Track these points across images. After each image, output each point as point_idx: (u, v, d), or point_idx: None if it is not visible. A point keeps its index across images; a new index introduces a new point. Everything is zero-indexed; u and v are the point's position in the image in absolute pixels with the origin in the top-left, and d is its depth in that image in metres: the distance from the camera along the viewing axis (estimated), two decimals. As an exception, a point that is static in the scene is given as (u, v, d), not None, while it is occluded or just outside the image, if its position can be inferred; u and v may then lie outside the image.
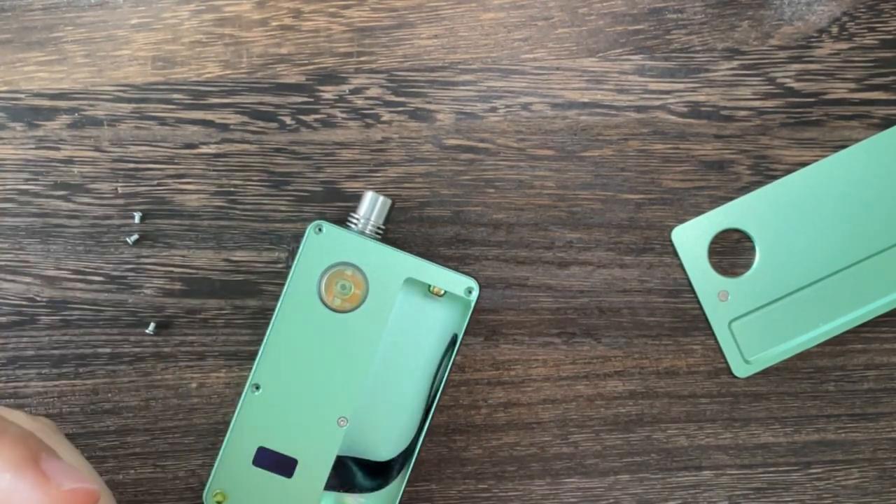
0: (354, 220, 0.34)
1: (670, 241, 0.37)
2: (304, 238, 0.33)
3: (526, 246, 0.36)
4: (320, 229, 0.33)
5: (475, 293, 0.33)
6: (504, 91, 0.36)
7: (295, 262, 0.33)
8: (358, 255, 0.33)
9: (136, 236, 0.36)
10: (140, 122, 0.36)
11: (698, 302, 0.37)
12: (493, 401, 0.36)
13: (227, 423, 0.33)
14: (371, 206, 0.33)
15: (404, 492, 0.34)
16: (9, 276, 0.36)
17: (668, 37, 0.36)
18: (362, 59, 0.36)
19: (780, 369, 0.37)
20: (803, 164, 0.36)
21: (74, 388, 0.36)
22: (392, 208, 0.34)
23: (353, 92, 0.36)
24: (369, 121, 0.36)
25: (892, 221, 0.36)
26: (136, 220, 0.36)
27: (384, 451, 0.34)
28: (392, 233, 0.36)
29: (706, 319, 0.36)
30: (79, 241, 0.36)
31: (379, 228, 0.33)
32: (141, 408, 0.36)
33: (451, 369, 0.34)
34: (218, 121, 0.36)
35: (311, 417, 0.33)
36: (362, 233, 0.33)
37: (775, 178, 0.36)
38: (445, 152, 0.36)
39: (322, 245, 0.33)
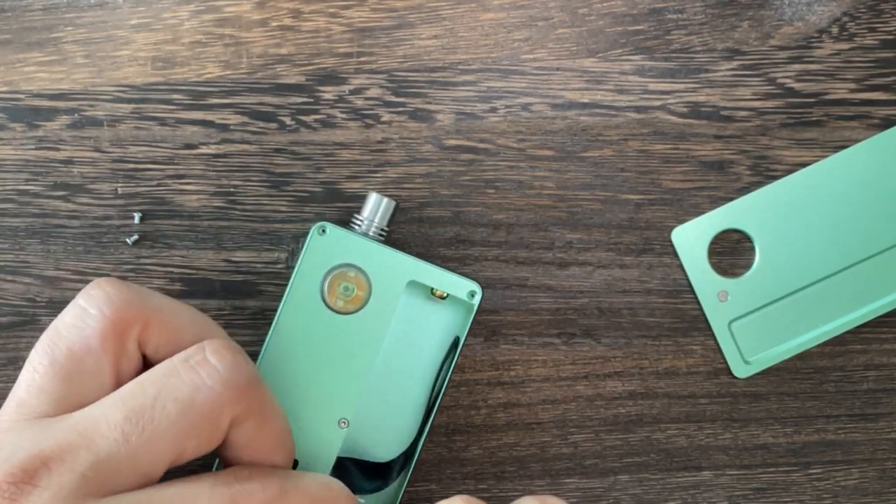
0: (358, 222, 0.33)
1: (670, 241, 0.37)
2: (308, 239, 0.33)
3: (526, 246, 0.36)
4: (324, 230, 0.33)
5: (478, 297, 0.33)
6: (504, 91, 0.36)
7: (298, 262, 0.33)
8: (361, 257, 0.33)
9: (135, 236, 0.36)
10: (140, 122, 0.36)
11: (698, 302, 0.37)
12: (493, 401, 0.36)
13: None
14: (375, 208, 0.33)
15: (404, 492, 0.34)
16: (9, 277, 0.36)
17: (668, 37, 0.36)
18: (362, 59, 0.36)
19: (780, 370, 0.37)
20: (803, 165, 0.36)
21: (74, 389, 0.36)
22: (396, 210, 0.34)
23: (352, 92, 0.36)
24: (369, 121, 0.36)
25: (893, 222, 0.36)
26: (136, 220, 0.36)
27: (384, 452, 0.34)
28: (392, 233, 0.36)
29: (706, 320, 0.37)
30: (79, 241, 0.36)
31: (382, 230, 0.33)
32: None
33: (452, 371, 0.34)
34: (218, 121, 0.36)
35: (312, 419, 0.33)
36: (366, 234, 0.33)
37: (775, 178, 0.36)
38: (445, 153, 0.36)
39: (325, 246, 0.33)
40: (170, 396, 0.27)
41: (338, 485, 0.31)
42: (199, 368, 0.28)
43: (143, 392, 0.27)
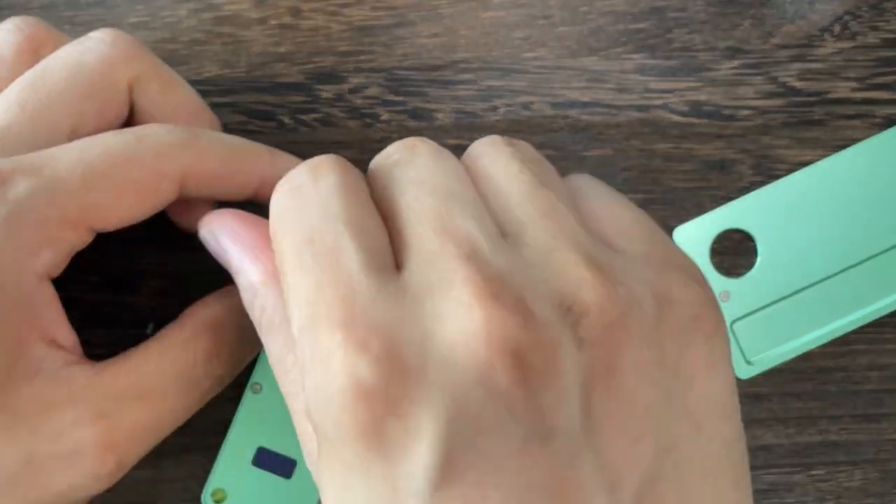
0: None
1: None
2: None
3: (526, 246, 0.36)
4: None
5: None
6: (504, 90, 0.36)
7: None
8: None
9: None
10: (138, 121, 0.36)
11: (700, 302, 0.36)
12: (494, 402, 0.36)
13: (227, 423, 0.33)
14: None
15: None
16: (7, 276, 0.36)
17: (669, 35, 0.36)
18: (361, 57, 0.36)
19: (783, 370, 0.37)
20: (805, 164, 0.36)
21: (72, 389, 0.36)
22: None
23: (352, 91, 0.36)
24: (368, 120, 0.36)
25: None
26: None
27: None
28: (391, 233, 0.36)
29: (708, 320, 0.36)
30: (77, 240, 0.36)
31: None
32: (139, 408, 0.36)
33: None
34: (217, 120, 0.36)
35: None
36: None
37: (777, 177, 0.36)
38: (445, 152, 0.36)
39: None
40: (58, 63, 0.28)
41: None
42: (84, 42, 0.29)
43: (34, 68, 0.29)
